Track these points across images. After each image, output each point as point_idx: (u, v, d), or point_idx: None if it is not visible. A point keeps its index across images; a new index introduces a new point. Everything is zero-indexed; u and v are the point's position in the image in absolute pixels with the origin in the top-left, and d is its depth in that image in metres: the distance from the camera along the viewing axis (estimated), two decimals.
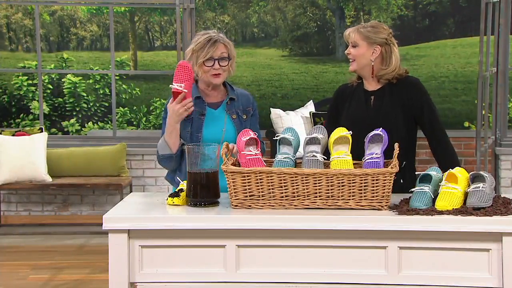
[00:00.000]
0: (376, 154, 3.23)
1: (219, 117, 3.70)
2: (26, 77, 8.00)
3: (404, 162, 3.65)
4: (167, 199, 3.31)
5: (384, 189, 3.14)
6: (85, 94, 8.01)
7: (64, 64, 7.93)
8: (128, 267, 3.12)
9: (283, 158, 3.29)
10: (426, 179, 3.27)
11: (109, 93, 7.85)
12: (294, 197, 3.17)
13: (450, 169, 3.25)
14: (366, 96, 3.78)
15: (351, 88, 3.85)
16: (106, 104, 7.95)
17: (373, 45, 3.69)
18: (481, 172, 3.23)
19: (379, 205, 3.16)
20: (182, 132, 3.65)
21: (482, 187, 3.16)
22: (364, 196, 3.15)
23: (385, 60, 3.72)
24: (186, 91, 3.52)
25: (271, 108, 7.57)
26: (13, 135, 7.10)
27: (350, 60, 3.75)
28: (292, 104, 7.81)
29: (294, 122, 7.23)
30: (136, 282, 3.14)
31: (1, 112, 7.95)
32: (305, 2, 7.82)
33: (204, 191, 3.24)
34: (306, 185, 3.15)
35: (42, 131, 7.19)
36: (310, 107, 7.60)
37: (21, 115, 7.96)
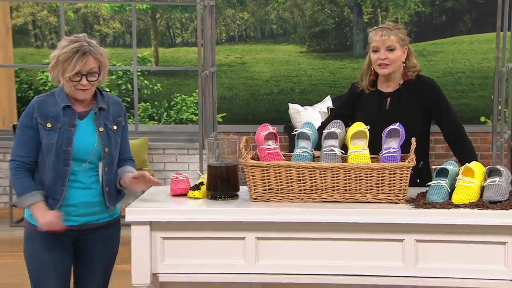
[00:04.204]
0: (393, 148, 3.22)
1: (87, 129, 3.21)
2: None
3: (422, 162, 3.61)
4: (188, 192, 3.32)
5: (401, 183, 3.13)
6: (108, 90, 8.04)
7: None
8: (150, 258, 3.13)
9: (302, 152, 3.29)
10: (443, 173, 3.25)
11: (131, 89, 7.87)
12: (312, 190, 3.17)
13: (467, 163, 3.23)
14: (381, 98, 3.70)
15: (362, 91, 3.73)
16: (128, 99, 7.97)
17: (404, 47, 3.64)
18: (498, 166, 3.21)
19: (396, 199, 3.15)
20: (46, 145, 3.14)
21: (499, 181, 3.14)
22: (382, 190, 3.14)
23: (409, 58, 3.66)
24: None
25: (289, 103, 7.56)
26: None
27: (384, 64, 3.60)
28: (310, 99, 7.79)
29: (312, 117, 7.21)
30: (158, 273, 3.16)
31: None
32: (323, 0, 7.80)
33: (224, 185, 3.25)
34: (324, 179, 3.15)
35: None
36: (327, 102, 7.58)
37: None
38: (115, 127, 3.27)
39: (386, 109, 3.68)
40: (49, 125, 3.14)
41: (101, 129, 3.22)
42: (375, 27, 3.72)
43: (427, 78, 3.78)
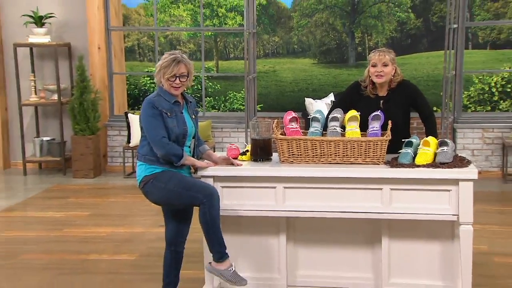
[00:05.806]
0: (375, 127, 3.16)
1: (187, 116, 3.13)
2: (149, 78, 8.07)
3: (403, 140, 3.49)
4: (238, 156, 3.29)
5: (381, 151, 3.07)
6: (185, 89, 8.02)
7: None
8: None
9: (314, 130, 3.24)
10: (409, 144, 3.19)
11: (200, 88, 7.85)
12: (321, 156, 3.13)
13: (425, 137, 3.16)
14: (377, 100, 3.49)
15: (363, 92, 3.52)
16: (198, 95, 7.96)
17: (393, 64, 3.46)
18: (446, 139, 3.14)
19: (377, 161, 3.09)
20: (171, 127, 3.02)
21: (446, 149, 3.08)
22: (368, 155, 3.09)
23: (396, 71, 3.48)
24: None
25: (305, 98, 7.48)
26: None
27: (380, 75, 3.42)
28: (319, 95, 7.70)
29: (320, 107, 7.11)
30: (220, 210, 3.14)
31: (133, 101, 8.05)
32: (328, 28, 7.68)
33: (262, 152, 3.22)
34: (329, 148, 3.10)
35: None
36: (331, 97, 7.47)
37: None
38: (193, 116, 3.18)
39: (381, 108, 3.45)
40: (169, 114, 3.01)
41: (193, 116, 3.14)
42: (374, 50, 3.51)
43: (407, 82, 3.56)
